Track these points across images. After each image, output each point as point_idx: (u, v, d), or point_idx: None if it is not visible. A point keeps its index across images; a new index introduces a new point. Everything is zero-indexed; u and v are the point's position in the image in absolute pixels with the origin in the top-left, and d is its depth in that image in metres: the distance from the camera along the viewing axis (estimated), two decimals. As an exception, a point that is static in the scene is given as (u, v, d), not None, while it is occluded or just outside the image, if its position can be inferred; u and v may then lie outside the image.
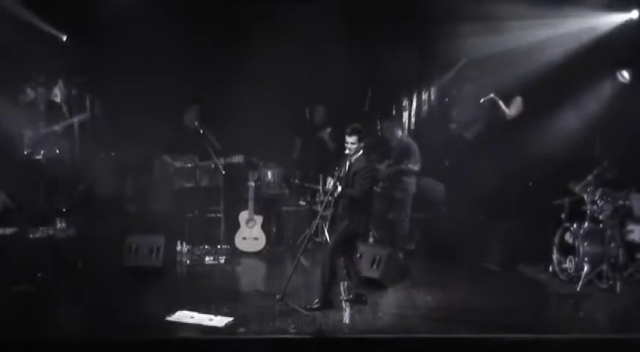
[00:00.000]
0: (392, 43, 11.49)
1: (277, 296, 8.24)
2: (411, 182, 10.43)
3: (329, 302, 8.38)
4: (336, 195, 8.43)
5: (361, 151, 8.43)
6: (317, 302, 8.38)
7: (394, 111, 10.73)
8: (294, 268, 8.49)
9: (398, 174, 10.37)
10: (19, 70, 10.99)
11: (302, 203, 10.95)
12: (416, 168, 10.35)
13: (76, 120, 11.04)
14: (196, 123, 10.65)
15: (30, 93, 11.12)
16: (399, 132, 10.51)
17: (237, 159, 10.55)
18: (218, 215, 10.82)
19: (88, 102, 11.62)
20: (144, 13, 10.73)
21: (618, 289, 8.94)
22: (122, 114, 11.44)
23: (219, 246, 10.53)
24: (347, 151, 8.44)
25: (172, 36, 11.00)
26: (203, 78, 11.57)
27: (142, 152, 11.40)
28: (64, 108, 11.34)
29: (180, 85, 11.38)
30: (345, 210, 8.44)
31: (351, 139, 8.41)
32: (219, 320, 8.01)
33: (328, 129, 11.52)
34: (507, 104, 11.19)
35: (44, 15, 10.88)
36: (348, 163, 8.48)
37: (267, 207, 11.03)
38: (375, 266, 9.20)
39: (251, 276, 10.05)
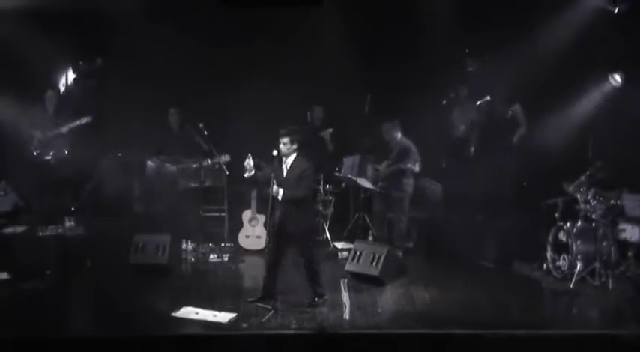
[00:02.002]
0: (392, 45, 11.49)
1: (271, 312, 8.12)
2: (409, 182, 10.39)
3: (321, 298, 8.43)
4: (280, 199, 8.23)
5: (296, 153, 8.33)
6: (316, 301, 8.40)
7: (393, 113, 10.70)
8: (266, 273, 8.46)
9: (396, 174, 10.35)
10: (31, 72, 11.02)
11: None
12: (415, 168, 10.32)
13: (78, 122, 11.06)
14: (190, 126, 10.64)
15: (51, 94, 11.15)
16: (398, 134, 10.48)
17: (224, 158, 10.49)
18: (222, 214, 10.81)
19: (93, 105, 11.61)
20: (145, 21, 10.80)
21: (610, 286, 8.94)
22: (126, 117, 11.46)
23: (222, 245, 10.54)
24: (282, 152, 8.29)
25: (177, 40, 11.07)
26: (206, 81, 11.56)
27: (141, 154, 11.42)
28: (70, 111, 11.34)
29: (183, 87, 11.41)
30: (294, 212, 8.27)
31: (283, 140, 8.28)
32: (223, 316, 8.03)
33: (330, 130, 11.53)
34: (507, 110, 11.23)
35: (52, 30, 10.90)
36: (284, 165, 8.33)
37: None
38: (374, 263, 9.20)
39: (254, 274, 10.02)
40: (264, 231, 10.62)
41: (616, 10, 10.28)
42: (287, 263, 8.72)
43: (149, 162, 11.12)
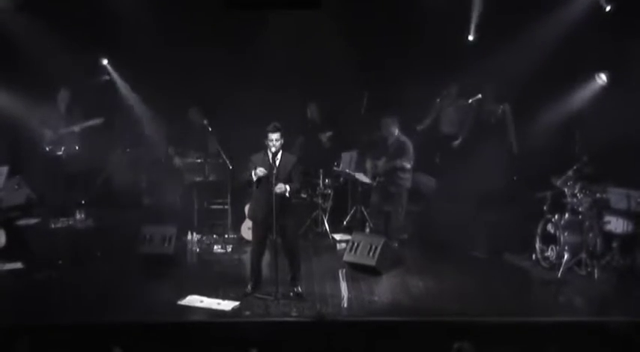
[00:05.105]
0: (388, 45, 11.48)
1: (273, 300, 8.13)
2: (407, 177, 10.37)
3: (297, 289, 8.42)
4: (288, 194, 8.11)
5: (282, 148, 8.15)
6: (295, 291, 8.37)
7: (389, 110, 10.69)
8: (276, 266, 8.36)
9: (393, 170, 10.34)
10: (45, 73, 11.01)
11: (303, 196, 10.94)
12: (408, 165, 10.29)
13: (91, 123, 11.09)
14: (205, 122, 10.63)
15: (64, 94, 11.14)
16: (396, 130, 10.46)
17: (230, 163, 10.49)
18: (225, 207, 10.81)
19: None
20: (154, 21, 10.81)
21: (596, 276, 8.95)
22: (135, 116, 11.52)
23: (226, 236, 10.55)
24: (272, 148, 8.07)
25: (180, 40, 11.08)
26: (210, 80, 11.52)
27: (154, 148, 11.42)
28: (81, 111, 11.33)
29: (187, 86, 11.40)
30: (289, 206, 8.24)
31: (275, 136, 8.08)
32: (227, 304, 8.04)
33: (328, 133, 11.52)
34: (497, 108, 11.23)
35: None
36: (273, 160, 8.10)
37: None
38: (371, 254, 9.20)
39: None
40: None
41: (608, 8, 10.26)
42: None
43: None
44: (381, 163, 10.51)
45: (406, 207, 10.60)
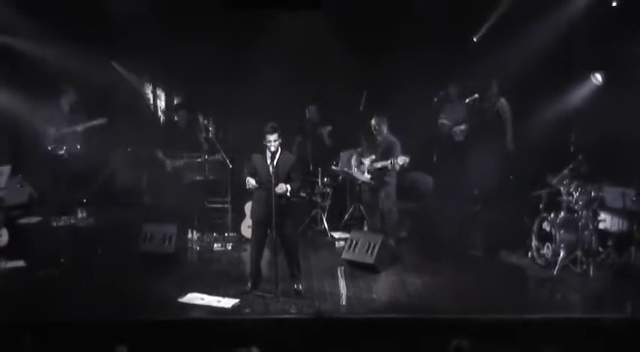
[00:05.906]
0: (387, 45, 11.50)
1: (272, 298, 8.18)
2: (392, 174, 10.34)
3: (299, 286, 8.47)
4: (289, 194, 8.17)
5: (280, 148, 8.15)
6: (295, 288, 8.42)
7: (386, 109, 10.70)
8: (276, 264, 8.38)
9: (382, 169, 10.34)
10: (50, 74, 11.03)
11: (302, 194, 10.96)
12: (397, 166, 10.26)
13: (94, 122, 11.11)
14: (205, 122, 10.66)
15: (68, 93, 11.16)
16: (385, 129, 10.45)
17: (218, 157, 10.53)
18: (225, 205, 10.82)
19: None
20: (152, 22, 10.83)
21: (591, 273, 8.97)
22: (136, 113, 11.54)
23: (226, 234, 10.55)
24: (271, 148, 8.07)
25: (179, 39, 11.08)
26: (209, 80, 11.55)
27: (150, 149, 11.46)
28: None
29: (185, 85, 11.42)
30: (287, 205, 8.28)
31: (272, 137, 8.06)
32: (227, 302, 8.06)
33: (329, 128, 11.52)
34: (493, 105, 11.24)
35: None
36: (269, 161, 8.14)
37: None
38: (369, 252, 9.22)
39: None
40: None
41: (614, 3, 10.26)
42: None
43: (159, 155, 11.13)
44: (368, 161, 10.48)
45: (403, 204, 10.62)
